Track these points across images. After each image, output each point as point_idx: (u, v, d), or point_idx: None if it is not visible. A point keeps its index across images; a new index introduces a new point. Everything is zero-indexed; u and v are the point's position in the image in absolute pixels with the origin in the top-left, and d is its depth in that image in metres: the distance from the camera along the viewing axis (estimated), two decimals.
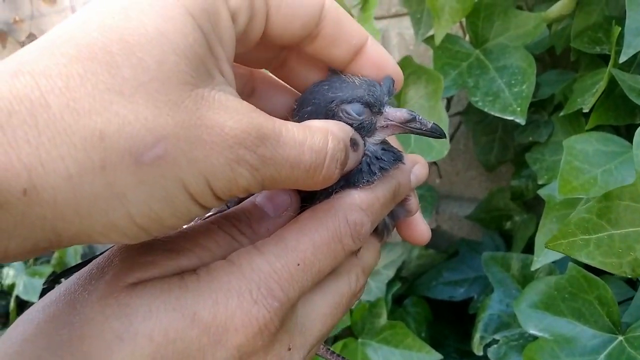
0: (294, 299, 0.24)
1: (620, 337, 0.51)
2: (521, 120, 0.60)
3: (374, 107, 0.29)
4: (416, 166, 0.32)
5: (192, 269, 0.24)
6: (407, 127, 0.30)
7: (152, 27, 0.20)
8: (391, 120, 0.30)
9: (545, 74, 0.71)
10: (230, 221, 0.26)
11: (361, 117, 0.29)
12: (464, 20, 0.70)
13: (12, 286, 1.47)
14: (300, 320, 0.26)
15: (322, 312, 0.27)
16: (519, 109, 0.61)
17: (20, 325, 0.23)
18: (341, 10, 0.28)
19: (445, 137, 0.31)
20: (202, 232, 0.26)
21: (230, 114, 0.21)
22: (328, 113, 0.28)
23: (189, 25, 0.21)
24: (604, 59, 0.61)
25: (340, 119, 0.28)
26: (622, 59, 0.51)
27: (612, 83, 0.55)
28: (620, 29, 0.52)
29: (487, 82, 0.65)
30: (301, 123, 0.25)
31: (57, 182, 0.18)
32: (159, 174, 0.19)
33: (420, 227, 0.34)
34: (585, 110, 0.56)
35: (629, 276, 0.43)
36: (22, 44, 1.58)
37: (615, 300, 0.51)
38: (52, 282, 0.44)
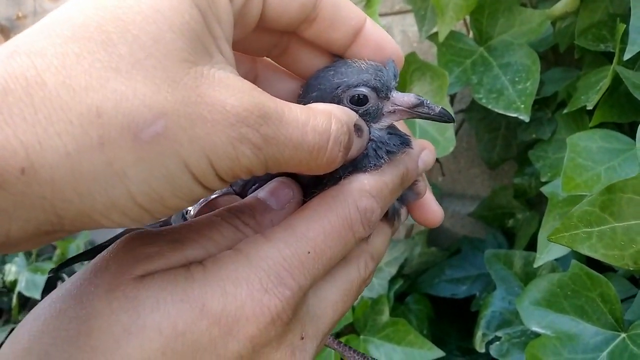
0: (305, 287, 0.24)
1: (623, 335, 0.51)
2: (525, 118, 0.60)
3: (380, 91, 0.29)
4: (424, 151, 0.32)
5: (198, 260, 0.24)
6: (415, 112, 0.29)
7: (146, 5, 0.20)
8: (399, 105, 0.29)
9: (549, 72, 0.71)
10: (234, 213, 0.26)
11: (369, 102, 0.29)
12: (468, 17, 0.70)
13: (14, 282, 1.47)
14: (311, 309, 0.25)
15: (332, 299, 0.26)
16: (522, 106, 0.61)
17: (28, 323, 0.22)
18: None
19: (453, 121, 0.30)
20: (206, 224, 0.25)
21: (231, 92, 0.21)
22: (334, 99, 0.28)
23: (185, 2, 0.20)
24: (608, 57, 0.61)
25: (347, 103, 0.28)
26: (627, 56, 0.51)
27: (616, 80, 0.55)
28: (624, 26, 0.52)
29: (491, 79, 0.65)
30: (304, 105, 0.25)
31: (55, 160, 0.18)
32: (159, 151, 0.19)
33: (433, 208, 0.34)
34: (589, 108, 0.56)
35: (631, 268, 0.43)
36: None
37: (618, 298, 0.51)
38: (56, 270, 0.44)
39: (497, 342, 0.66)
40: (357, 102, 0.29)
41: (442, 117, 0.29)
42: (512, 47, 0.64)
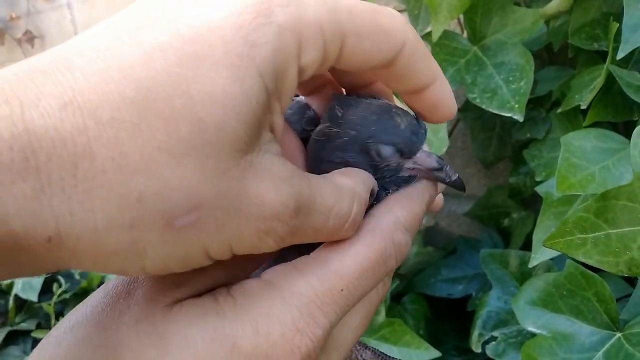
0: (335, 324, 0.23)
1: (619, 334, 0.51)
2: (519, 117, 0.60)
3: (404, 153, 0.28)
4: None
5: (224, 282, 0.23)
6: (433, 175, 0.29)
7: (220, 86, 0.18)
8: (420, 165, 0.29)
9: (543, 71, 0.71)
10: None
11: (390, 160, 0.28)
12: (461, 16, 0.70)
13: (10, 285, 1.47)
14: (336, 338, 0.25)
15: (354, 325, 0.26)
16: (516, 105, 0.61)
17: (48, 349, 0.22)
18: (420, 46, 0.25)
19: (464, 190, 0.30)
20: None
21: (272, 182, 0.20)
22: (363, 147, 0.28)
23: (257, 87, 0.19)
24: (602, 56, 0.61)
25: (370, 156, 0.28)
26: (620, 55, 0.51)
27: (610, 79, 0.55)
28: (617, 25, 0.52)
29: (484, 79, 0.65)
30: (331, 179, 0.24)
31: (82, 233, 0.17)
32: (185, 238, 0.19)
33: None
34: (583, 107, 0.56)
35: (626, 275, 0.43)
36: (19, 42, 1.57)
37: (613, 297, 0.51)
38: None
39: (494, 342, 0.66)
40: (381, 155, 0.28)
41: (456, 186, 0.29)
42: (506, 47, 0.64)
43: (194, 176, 0.18)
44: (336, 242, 0.25)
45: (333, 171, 0.26)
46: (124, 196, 0.17)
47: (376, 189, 0.28)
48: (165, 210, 0.18)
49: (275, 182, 0.20)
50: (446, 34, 0.67)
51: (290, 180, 0.20)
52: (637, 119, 0.55)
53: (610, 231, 0.43)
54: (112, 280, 0.23)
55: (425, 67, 0.26)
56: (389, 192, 0.29)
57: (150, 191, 0.17)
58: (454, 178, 0.29)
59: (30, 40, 1.55)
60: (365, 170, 0.28)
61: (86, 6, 1.42)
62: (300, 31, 0.20)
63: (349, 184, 0.24)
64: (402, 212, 0.26)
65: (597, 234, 0.43)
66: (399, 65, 0.24)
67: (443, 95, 0.27)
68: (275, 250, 0.21)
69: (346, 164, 0.28)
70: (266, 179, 0.20)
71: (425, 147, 0.29)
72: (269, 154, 0.20)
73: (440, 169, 0.28)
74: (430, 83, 0.26)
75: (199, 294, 0.23)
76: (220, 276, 0.23)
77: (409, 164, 0.29)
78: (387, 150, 0.28)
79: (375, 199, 0.28)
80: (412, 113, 0.29)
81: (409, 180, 0.29)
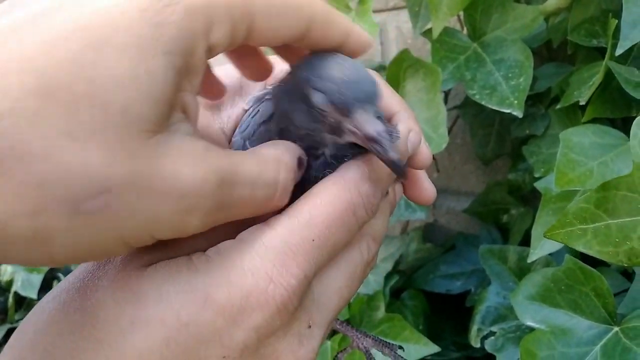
0: (310, 275, 0.24)
1: (616, 328, 0.51)
2: (518, 114, 0.61)
3: (338, 108, 0.25)
4: (411, 133, 0.30)
5: (201, 250, 0.23)
6: (369, 145, 0.25)
7: (123, 69, 0.18)
8: (356, 130, 0.26)
9: (542, 67, 0.71)
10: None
11: (326, 112, 0.26)
12: (461, 13, 0.70)
13: (10, 282, 1.47)
14: (317, 296, 0.25)
15: (337, 285, 0.26)
16: (516, 102, 0.61)
17: (32, 316, 0.23)
18: (331, 16, 0.26)
19: (404, 176, 0.27)
20: None
21: (186, 160, 0.20)
22: (303, 93, 0.26)
23: (162, 67, 0.19)
24: (601, 52, 0.61)
25: (309, 106, 0.26)
26: (619, 51, 0.51)
27: (609, 76, 0.55)
28: (616, 22, 0.53)
29: (484, 75, 0.65)
30: (255, 151, 0.24)
31: None
32: (95, 224, 0.18)
33: (425, 185, 0.34)
34: (582, 103, 0.57)
35: (625, 265, 0.43)
36: None
37: (611, 292, 0.51)
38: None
39: (492, 337, 0.66)
40: (311, 104, 0.26)
41: (394, 168, 0.25)
42: (506, 43, 0.65)
43: (99, 160, 0.18)
44: (304, 196, 0.25)
45: (258, 145, 0.26)
46: (25, 183, 0.17)
47: (304, 157, 0.27)
48: (69, 195, 0.18)
49: (189, 159, 0.20)
50: (446, 31, 0.67)
51: (205, 155, 0.21)
52: (635, 115, 0.55)
53: (610, 221, 0.43)
54: None
55: (338, 30, 0.26)
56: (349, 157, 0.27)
57: (53, 177, 0.17)
58: (392, 157, 0.24)
59: None
60: (309, 125, 0.27)
61: None
62: (208, 10, 0.20)
63: (273, 153, 0.25)
64: (368, 166, 0.27)
65: (597, 224, 0.44)
66: (313, 36, 0.25)
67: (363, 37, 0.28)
68: (202, 229, 0.22)
69: (293, 119, 0.27)
70: (179, 156, 0.20)
71: (371, 110, 0.25)
72: (180, 133, 0.20)
73: (376, 141, 0.25)
74: (344, 40, 0.26)
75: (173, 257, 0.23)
76: (197, 242, 0.23)
77: (349, 125, 0.26)
78: (317, 98, 0.25)
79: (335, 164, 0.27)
80: (366, 72, 0.26)
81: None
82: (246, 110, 0.35)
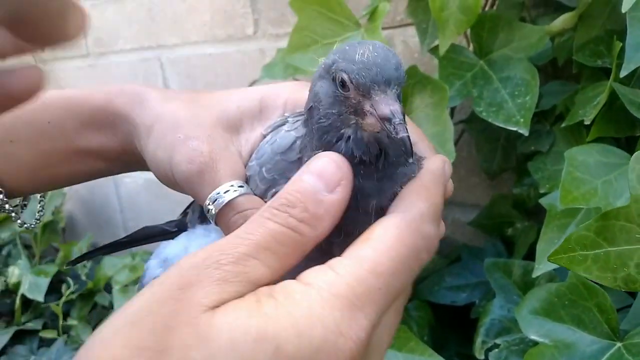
0: (376, 324, 0.24)
1: (619, 344, 0.52)
2: (524, 132, 0.62)
3: (358, 88, 0.28)
4: (446, 164, 0.33)
5: (264, 281, 0.24)
6: (382, 125, 0.27)
7: None
8: (374, 110, 0.27)
9: (548, 85, 0.72)
10: (284, 210, 0.26)
11: (349, 93, 0.28)
12: (468, 30, 0.71)
13: (17, 284, 1.48)
14: (375, 339, 0.25)
15: (389, 323, 0.27)
16: (522, 119, 0.62)
17: (94, 350, 0.22)
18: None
19: (410, 155, 0.28)
20: (259, 230, 0.25)
21: None
22: (332, 75, 0.29)
23: None
24: (605, 72, 0.63)
25: (336, 86, 0.28)
26: (623, 73, 0.53)
27: (613, 96, 0.56)
28: (621, 44, 0.54)
29: (491, 93, 0.66)
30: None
31: None
32: None
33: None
34: (587, 123, 0.58)
35: (623, 290, 0.45)
36: None
37: (614, 308, 0.52)
38: (73, 263, 0.47)
39: (496, 350, 0.67)
40: (341, 85, 0.28)
41: (401, 146, 0.27)
42: (512, 62, 0.66)
43: None
44: (366, 238, 0.25)
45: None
46: None
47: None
48: None
49: None
50: (453, 48, 0.68)
51: None
52: (639, 134, 0.57)
53: (609, 249, 0.46)
54: (155, 284, 0.24)
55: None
56: (399, 189, 0.29)
57: None
58: (403, 136, 0.27)
59: None
60: (332, 105, 0.29)
61: (96, 11, 1.44)
62: None
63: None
64: (425, 204, 0.27)
65: (597, 251, 0.46)
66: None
67: None
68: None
69: (322, 101, 0.29)
70: None
71: (390, 92, 0.27)
72: None
73: (389, 120, 0.27)
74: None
75: (241, 295, 0.23)
76: (259, 272, 0.24)
77: (367, 105, 0.28)
78: (342, 77, 0.28)
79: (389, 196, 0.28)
80: (394, 61, 0.28)
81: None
82: (264, 136, 0.36)
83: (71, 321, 1.39)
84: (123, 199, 1.64)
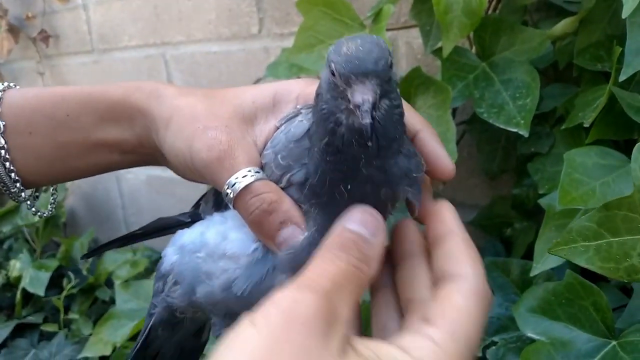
0: None
1: (614, 342, 0.53)
2: (524, 133, 0.63)
3: (341, 77, 0.30)
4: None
5: (347, 319, 0.27)
6: (355, 112, 0.30)
7: None
8: (350, 98, 0.30)
9: (548, 88, 0.74)
10: (345, 251, 0.29)
11: (338, 82, 0.31)
12: (471, 33, 0.72)
13: (18, 278, 1.49)
14: None
15: None
16: (522, 121, 0.63)
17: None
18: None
19: (367, 142, 0.30)
20: (329, 268, 0.28)
21: None
22: (327, 63, 0.32)
23: None
24: (605, 76, 0.64)
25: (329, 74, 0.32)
26: (622, 77, 0.54)
27: (612, 100, 0.57)
28: (621, 49, 0.55)
29: (492, 95, 0.67)
30: None
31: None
32: None
33: (443, 160, 0.37)
34: (586, 125, 0.59)
35: (625, 280, 0.46)
36: (34, 40, 1.60)
37: (609, 307, 0.53)
38: (87, 256, 0.49)
39: (494, 347, 0.68)
40: (332, 74, 0.31)
41: (358, 134, 0.31)
42: (514, 64, 0.67)
43: None
44: (447, 300, 0.29)
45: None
46: None
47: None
48: None
49: None
50: (456, 50, 0.69)
51: None
52: (637, 138, 0.58)
53: (611, 239, 0.46)
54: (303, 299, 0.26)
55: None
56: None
57: None
58: (364, 124, 0.29)
59: (45, 39, 1.58)
60: (328, 91, 0.32)
61: (102, 8, 1.45)
62: None
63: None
64: (480, 263, 0.31)
65: (599, 242, 0.46)
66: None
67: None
68: None
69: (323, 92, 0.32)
70: None
71: (369, 84, 0.30)
72: None
73: (358, 108, 0.30)
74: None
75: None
76: (344, 312, 0.27)
77: (349, 93, 0.30)
78: (331, 66, 0.30)
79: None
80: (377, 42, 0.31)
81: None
82: (277, 127, 0.38)
83: (72, 315, 1.40)
84: (125, 194, 1.65)
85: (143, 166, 0.46)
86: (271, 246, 0.36)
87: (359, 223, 0.31)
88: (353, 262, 0.29)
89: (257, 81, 1.05)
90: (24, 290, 1.46)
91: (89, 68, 1.56)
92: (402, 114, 0.33)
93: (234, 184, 0.35)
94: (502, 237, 0.86)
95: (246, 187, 0.35)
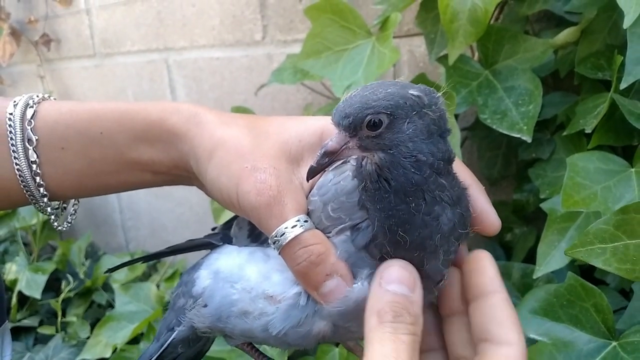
0: None
1: (614, 343, 0.54)
2: (527, 138, 0.65)
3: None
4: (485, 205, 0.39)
5: None
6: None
7: None
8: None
9: (549, 96, 0.75)
10: (401, 322, 0.31)
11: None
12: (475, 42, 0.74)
13: (14, 281, 1.48)
14: None
15: None
16: (525, 127, 0.65)
17: None
18: None
19: (308, 179, 0.35)
20: (403, 347, 0.30)
21: None
22: None
23: None
24: (605, 84, 0.66)
25: None
26: (623, 85, 0.56)
27: (613, 107, 0.59)
28: (622, 58, 0.57)
29: (495, 101, 0.69)
30: None
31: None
32: None
33: (491, 217, 0.38)
34: (588, 131, 0.61)
35: None
36: (36, 44, 1.61)
37: (610, 308, 0.55)
38: (121, 265, 0.49)
39: None
40: None
41: (310, 170, 0.34)
42: (517, 72, 0.69)
43: None
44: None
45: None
46: None
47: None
48: None
49: None
50: (460, 58, 0.71)
51: None
52: (637, 144, 0.60)
53: (628, 242, 0.48)
54: None
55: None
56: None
57: None
58: (311, 165, 0.34)
59: (47, 43, 1.58)
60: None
61: (105, 13, 1.46)
62: None
63: None
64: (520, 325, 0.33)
65: (616, 244, 0.48)
66: None
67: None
68: None
69: None
70: None
71: (341, 131, 0.33)
72: None
73: (319, 155, 0.34)
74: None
75: None
76: None
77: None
78: None
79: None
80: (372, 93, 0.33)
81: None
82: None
83: (70, 318, 1.40)
84: (122, 197, 1.65)
85: (177, 185, 0.45)
86: (314, 295, 0.36)
87: (398, 282, 0.32)
88: (410, 330, 0.30)
89: (261, 87, 1.06)
90: (20, 293, 1.45)
91: (90, 72, 1.56)
92: (416, 161, 0.33)
93: (283, 234, 0.35)
94: (502, 242, 0.87)
95: (295, 237, 0.35)
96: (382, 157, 0.33)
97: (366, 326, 0.32)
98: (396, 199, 0.33)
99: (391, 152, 0.33)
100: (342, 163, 0.38)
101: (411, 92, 0.33)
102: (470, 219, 0.37)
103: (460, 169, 0.38)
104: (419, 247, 0.33)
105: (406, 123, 0.33)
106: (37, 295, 1.42)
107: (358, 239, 0.35)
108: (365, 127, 0.32)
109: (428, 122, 0.33)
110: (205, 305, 0.41)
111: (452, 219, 0.34)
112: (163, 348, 0.45)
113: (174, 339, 0.44)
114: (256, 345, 0.45)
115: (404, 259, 0.33)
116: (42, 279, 1.45)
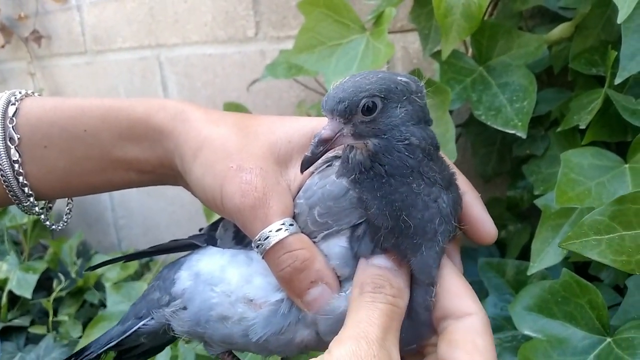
0: None
1: (609, 339, 0.54)
2: (522, 135, 0.64)
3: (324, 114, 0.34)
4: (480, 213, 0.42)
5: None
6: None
7: None
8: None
9: (543, 92, 0.75)
10: (380, 292, 0.31)
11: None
12: (468, 37, 0.74)
13: (5, 281, 1.47)
14: None
15: None
16: (520, 123, 0.65)
17: None
18: None
19: (302, 170, 0.34)
20: (377, 314, 0.30)
21: None
22: None
23: None
24: (599, 80, 0.66)
25: None
26: (617, 81, 0.55)
27: (607, 102, 0.59)
28: (616, 53, 0.57)
29: (489, 98, 0.69)
30: None
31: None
32: None
33: (487, 225, 0.39)
34: (582, 127, 0.60)
35: (637, 273, 0.46)
36: (26, 41, 1.59)
37: (605, 305, 0.54)
38: (100, 265, 0.48)
39: None
40: None
41: (302, 163, 0.34)
42: (511, 68, 0.68)
43: None
44: (472, 346, 0.31)
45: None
46: None
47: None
48: None
49: None
50: (454, 53, 0.71)
51: None
52: (630, 140, 0.59)
53: (624, 233, 0.47)
54: None
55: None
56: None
57: None
58: (305, 154, 0.33)
59: (38, 39, 1.56)
60: None
61: (96, 9, 1.44)
62: None
63: None
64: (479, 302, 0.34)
65: (611, 235, 0.47)
66: None
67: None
68: None
69: None
70: None
71: (332, 118, 0.33)
72: None
73: (313, 143, 0.33)
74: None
75: None
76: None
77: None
78: None
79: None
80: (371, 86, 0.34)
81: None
82: (312, 172, 0.37)
83: (61, 317, 1.39)
84: (114, 196, 1.64)
85: (163, 185, 0.44)
86: (298, 303, 0.35)
87: (384, 258, 0.32)
88: (390, 300, 0.30)
89: (254, 83, 1.06)
90: (10, 292, 1.43)
91: (81, 69, 1.55)
92: (409, 144, 0.34)
93: (267, 237, 0.34)
94: (496, 239, 0.87)
95: (280, 241, 0.34)
96: (377, 142, 0.33)
97: (349, 299, 0.32)
98: (396, 182, 0.33)
99: (385, 137, 0.33)
100: (327, 167, 0.37)
101: (400, 78, 0.34)
102: (461, 201, 0.37)
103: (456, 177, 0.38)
104: (421, 232, 0.33)
105: (398, 107, 0.33)
106: (28, 294, 1.41)
107: (362, 246, 0.34)
108: (360, 111, 0.32)
109: (417, 108, 0.34)
110: (185, 308, 0.40)
111: (448, 202, 0.34)
112: (126, 335, 0.43)
113: (139, 328, 0.43)
114: (237, 355, 0.43)
115: (402, 248, 0.33)
116: (33, 278, 1.43)
